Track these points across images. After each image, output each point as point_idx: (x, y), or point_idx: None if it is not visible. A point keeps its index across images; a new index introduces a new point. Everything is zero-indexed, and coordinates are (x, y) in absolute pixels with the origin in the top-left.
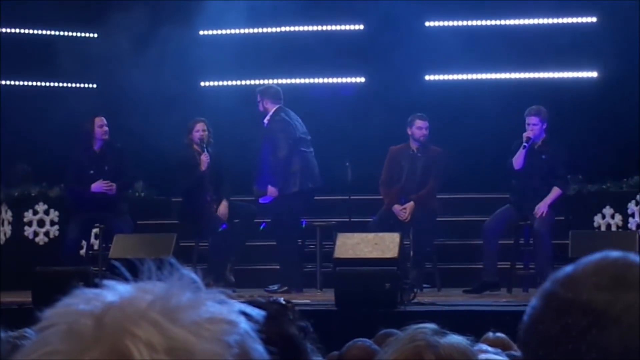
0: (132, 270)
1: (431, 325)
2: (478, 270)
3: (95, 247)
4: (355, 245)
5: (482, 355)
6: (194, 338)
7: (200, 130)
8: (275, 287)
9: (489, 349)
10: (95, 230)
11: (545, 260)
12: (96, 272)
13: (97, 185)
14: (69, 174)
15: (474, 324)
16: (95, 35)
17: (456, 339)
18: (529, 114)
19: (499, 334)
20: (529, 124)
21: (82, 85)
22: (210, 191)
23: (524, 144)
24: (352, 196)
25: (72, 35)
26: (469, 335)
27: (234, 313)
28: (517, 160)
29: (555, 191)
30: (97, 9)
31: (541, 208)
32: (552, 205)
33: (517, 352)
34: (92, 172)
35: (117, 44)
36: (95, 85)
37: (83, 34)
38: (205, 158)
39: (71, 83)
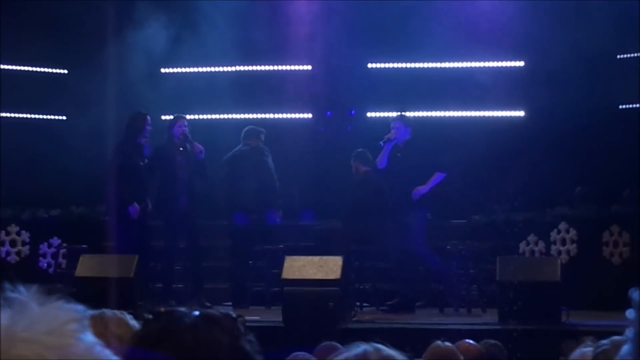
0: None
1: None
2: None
3: (63, 266)
4: (301, 267)
5: None
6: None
7: (182, 125)
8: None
9: None
10: (62, 251)
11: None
12: (63, 290)
13: None
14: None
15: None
16: (66, 71)
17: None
18: (393, 120)
19: (447, 343)
20: (392, 128)
21: (51, 117)
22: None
23: (381, 143)
24: (299, 222)
25: (43, 71)
26: (407, 351)
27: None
28: (381, 160)
29: (437, 175)
30: (66, 47)
31: (419, 190)
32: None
33: None
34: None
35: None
36: (64, 117)
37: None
38: (198, 145)
39: (41, 115)
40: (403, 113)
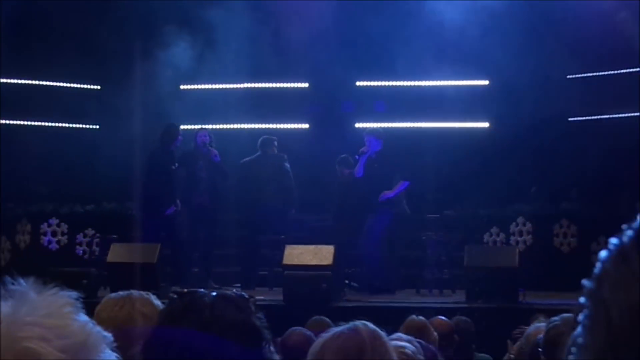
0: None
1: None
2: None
3: (97, 253)
4: (299, 254)
5: (395, 342)
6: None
7: (203, 135)
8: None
9: (403, 336)
10: (96, 240)
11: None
12: (97, 274)
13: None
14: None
15: (391, 317)
16: (99, 87)
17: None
18: (365, 134)
19: (420, 317)
20: (365, 141)
21: (87, 126)
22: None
23: (357, 156)
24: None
25: (80, 87)
26: (388, 325)
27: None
28: (357, 169)
29: (401, 183)
30: (100, 65)
31: (385, 194)
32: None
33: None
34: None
35: (119, 95)
36: (98, 127)
37: (89, 86)
38: (213, 150)
39: (79, 124)
40: (373, 127)
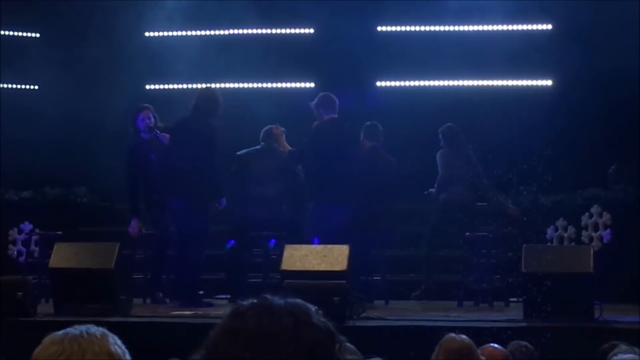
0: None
1: None
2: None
3: (36, 254)
4: (303, 257)
5: None
6: None
7: (147, 117)
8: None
9: None
10: (35, 237)
11: None
12: (35, 282)
13: None
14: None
15: (423, 339)
16: (38, 35)
17: None
18: None
19: (463, 337)
20: None
21: (23, 86)
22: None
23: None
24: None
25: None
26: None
27: None
28: None
29: None
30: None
31: None
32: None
33: None
34: None
35: (59, 45)
36: (37, 87)
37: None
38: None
39: (12, 84)
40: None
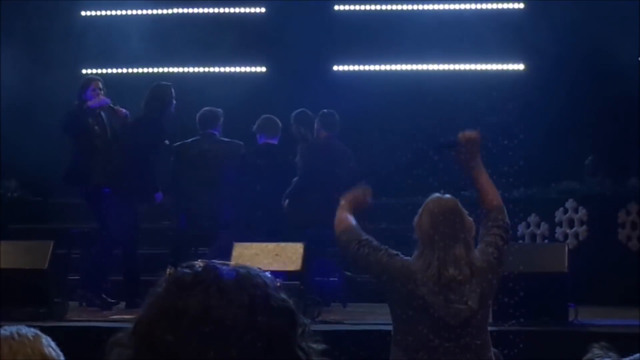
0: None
1: None
2: None
3: None
4: (253, 256)
5: None
6: None
7: (96, 89)
8: None
9: None
10: None
11: None
12: None
13: None
14: None
15: (383, 344)
16: None
17: None
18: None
19: (447, 195)
20: None
21: None
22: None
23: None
24: None
25: None
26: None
27: None
28: None
29: None
30: None
31: None
32: None
33: None
34: None
35: None
36: None
37: None
38: (122, 109)
39: None
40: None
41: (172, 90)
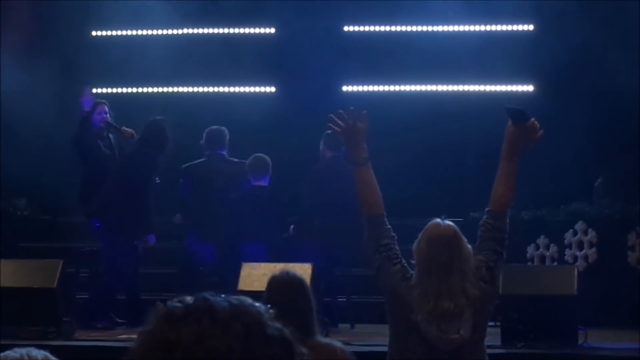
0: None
1: None
2: None
3: None
4: (261, 276)
5: None
6: None
7: (102, 112)
8: None
9: None
10: None
11: None
12: None
13: None
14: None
15: None
16: None
17: None
18: None
19: (447, 222)
20: None
21: None
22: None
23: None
24: None
25: None
26: None
27: None
28: None
29: None
30: None
31: None
32: None
33: None
34: None
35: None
36: None
37: None
38: (128, 130)
39: None
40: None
41: (168, 126)
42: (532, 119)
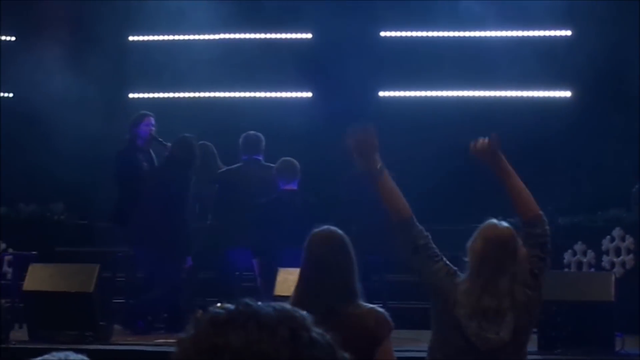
0: (48, 305)
1: None
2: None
3: (9, 276)
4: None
5: None
6: None
7: (149, 124)
8: None
9: None
10: (8, 258)
11: None
12: (8, 307)
13: None
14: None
15: None
16: (13, 38)
17: None
18: None
19: (504, 223)
20: None
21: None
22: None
23: None
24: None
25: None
26: None
27: None
28: None
29: None
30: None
31: None
32: None
33: None
34: None
35: (38, 49)
36: (11, 95)
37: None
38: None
39: None
40: None
41: (196, 143)
42: (470, 147)
